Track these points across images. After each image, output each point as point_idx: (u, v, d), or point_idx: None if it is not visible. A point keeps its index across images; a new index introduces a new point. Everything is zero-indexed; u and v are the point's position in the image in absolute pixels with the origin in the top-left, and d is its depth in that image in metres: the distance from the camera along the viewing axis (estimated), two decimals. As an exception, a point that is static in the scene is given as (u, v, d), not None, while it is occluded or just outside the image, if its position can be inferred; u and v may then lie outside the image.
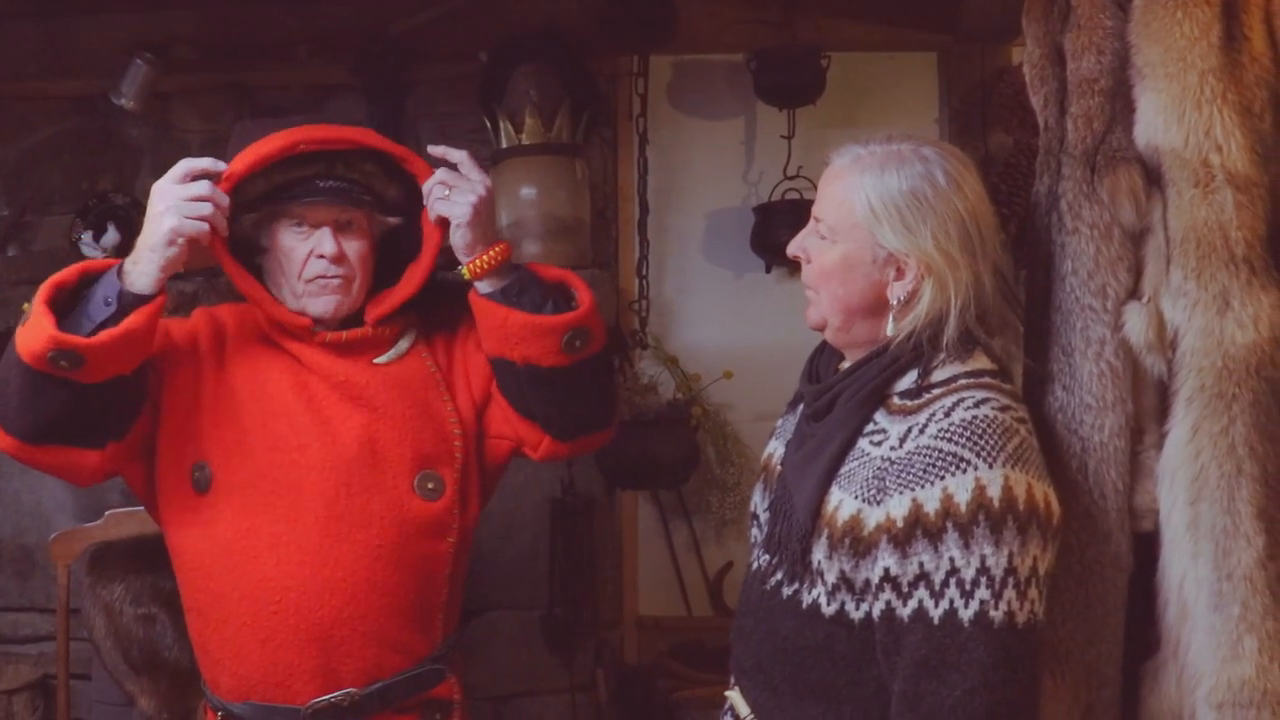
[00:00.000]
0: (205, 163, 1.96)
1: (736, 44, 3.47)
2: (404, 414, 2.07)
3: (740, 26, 3.42)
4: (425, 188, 2.03)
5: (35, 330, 1.84)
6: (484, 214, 1.99)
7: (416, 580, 2.05)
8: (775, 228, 3.38)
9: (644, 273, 3.53)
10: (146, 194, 3.53)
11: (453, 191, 1.99)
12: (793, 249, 1.77)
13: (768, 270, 3.51)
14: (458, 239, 1.99)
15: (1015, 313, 1.80)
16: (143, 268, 1.90)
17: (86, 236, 3.56)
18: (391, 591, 2.02)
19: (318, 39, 3.56)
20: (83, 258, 3.51)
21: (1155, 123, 1.73)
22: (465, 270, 2.01)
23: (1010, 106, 3.34)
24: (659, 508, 3.62)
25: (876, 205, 1.64)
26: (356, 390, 2.06)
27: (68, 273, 1.94)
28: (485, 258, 2.00)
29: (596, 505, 3.51)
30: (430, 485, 2.06)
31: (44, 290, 1.89)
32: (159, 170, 3.60)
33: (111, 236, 3.54)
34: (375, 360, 2.10)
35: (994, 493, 1.50)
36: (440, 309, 2.20)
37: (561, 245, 3.28)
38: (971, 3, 3.27)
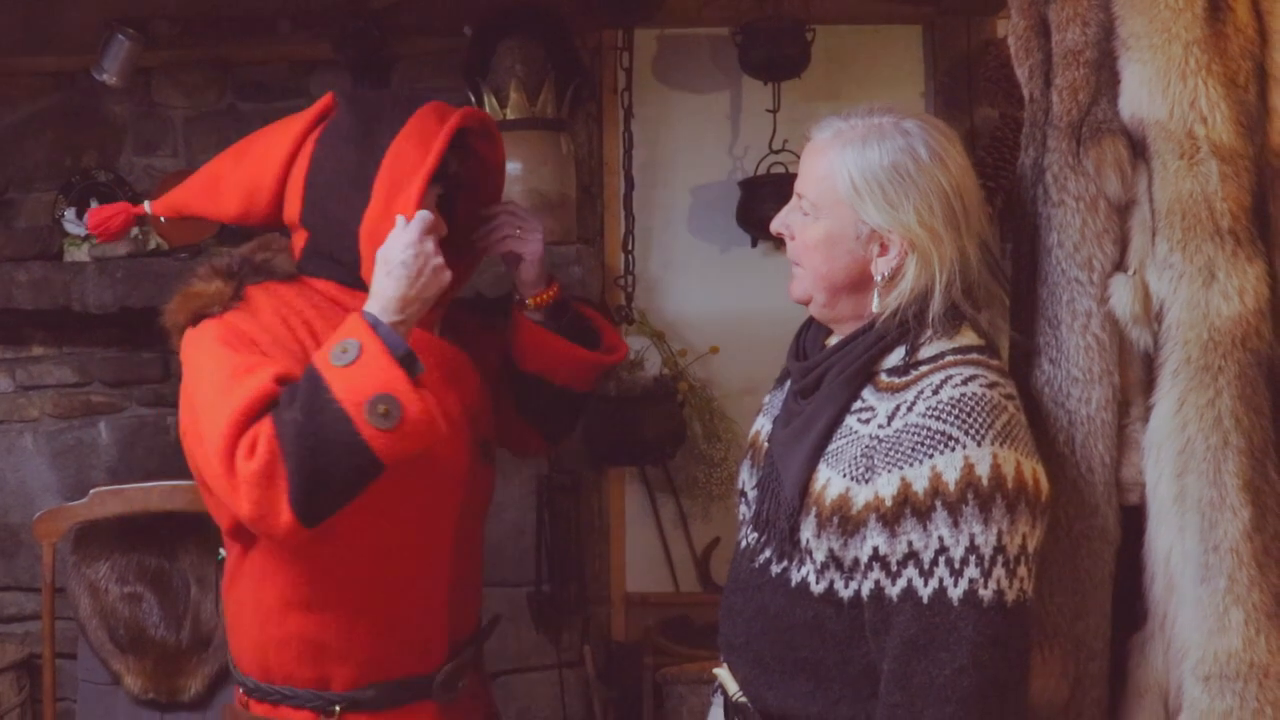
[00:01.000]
0: (429, 215, 1.87)
1: (721, 18, 3.45)
2: (464, 383, 2.11)
3: (724, 0, 3.40)
4: (491, 222, 2.17)
5: (371, 367, 1.70)
6: (545, 253, 2.18)
7: (483, 536, 2.22)
8: (760, 202, 3.37)
9: (629, 248, 3.52)
10: (129, 170, 3.63)
11: (524, 230, 2.15)
12: (776, 225, 1.77)
13: (753, 245, 3.51)
14: (527, 274, 2.18)
15: (1001, 286, 1.79)
16: (409, 324, 1.82)
17: (70, 213, 3.53)
18: (480, 547, 2.20)
19: (300, 14, 3.53)
20: (65, 235, 3.50)
21: (1140, 94, 1.72)
22: (529, 301, 2.20)
23: (996, 79, 3.33)
24: (646, 484, 3.62)
25: (858, 181, 1.63)
26: (435, 361, 1.99)
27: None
28: (548, 294, 2.21)
29: (583, 482, 3.52)
30: (486, 449, 2.15)
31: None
32: (142, 146, 3.66)
33: (94, 214, 3.51)
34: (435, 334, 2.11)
35: (982, 471, 1.49)
36: None
37: (547, 220, 3.24)
38: (957, -27, 3.27)
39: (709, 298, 3.57)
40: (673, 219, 3.60)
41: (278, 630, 1.95)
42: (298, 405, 1.67)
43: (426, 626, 2.02)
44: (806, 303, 1.76)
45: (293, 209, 2.00)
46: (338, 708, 1.96)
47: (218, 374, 1.77)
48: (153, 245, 3.46)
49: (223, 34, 3.59)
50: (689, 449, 3.49)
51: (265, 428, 1.67)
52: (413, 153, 1.91)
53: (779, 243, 3.36)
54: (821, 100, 3.48)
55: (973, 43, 3.49)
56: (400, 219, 1.85)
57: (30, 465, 3.70)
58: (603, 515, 3.62)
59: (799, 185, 1.74)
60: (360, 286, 1.91)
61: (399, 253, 1.80)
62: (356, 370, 1.69)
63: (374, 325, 1.74)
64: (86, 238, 3.47)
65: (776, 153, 3.38)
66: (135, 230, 3.50)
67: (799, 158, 3.20)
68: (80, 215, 3.50)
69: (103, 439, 3.63)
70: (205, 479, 1.81)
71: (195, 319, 1.90)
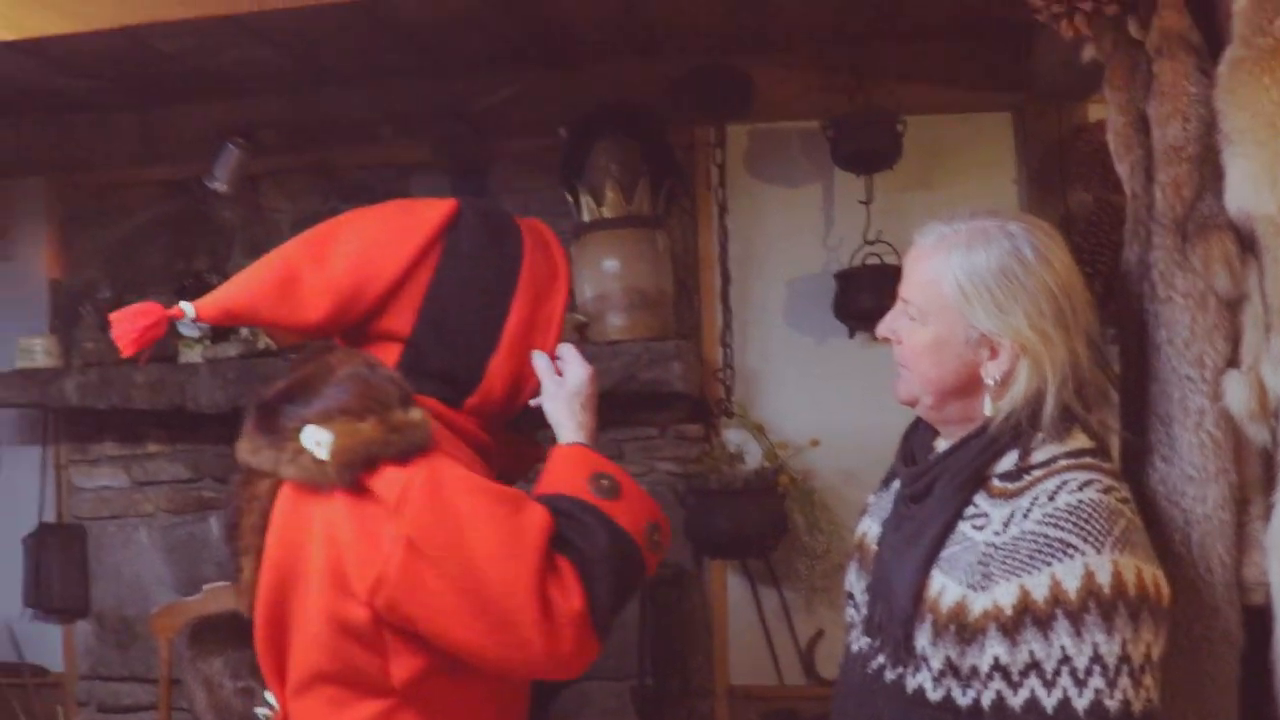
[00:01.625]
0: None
1: (811, 111, 3.48)
2: None
3: (814, 94, 3.44)
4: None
5: (637, 499, 1.75)
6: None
7: None
8: (857, 293, 3.38)
9: (727, 341, 3.54)
10: (237, 272, 3.72)
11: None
12: (882, 330, 1.77)
13: (850, 335, 3.50)
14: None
15: (1109, 380, 1.78)
16: None
17: (183, 317, 3.63)
18: None
19: (399, 118, 3.64)
20: (180, 337, 3.59)
21: (1246, 189, 1.69)
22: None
23: (1089, 164, 3.31)
24: (748, 576, 3.60)
25: (966, 286, 1.64)
26: None
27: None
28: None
29: (686, 574, 3.51)
30: None
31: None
32: (250, 249, 3.78)
33: (206, 317, 3.61)
34: None
35: (1103, 579, 1.47)
36: None
37: (645, 317, 3.30)
38: (1044, 62, 3.26)
39: (807, 389, 3.57)
40: (769, 312, 3.61)
41: None
42: (602, 538, 1.66)
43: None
44: (913, 404, 1.76)
45: (402, 321, 1.80)
46: None
47: (493, 516, 1.61)
48: (261, 345, 3.56)
49: (326, 140, 3.72)
50: (791, 541, 3.47)
51: (566, 563, 1.62)
52: (546, 276, 1.88)
53: (876, 334, 3.41)
54: (914, 190, 3.49)
55: (1064, 128, 3.47)
56: (566, 348, 1.85)
57: (145, 559, 3.80)
58: (705, 608, 3.61)
59: (904, 290, 1.74)
60: (458, 405, 1.80)
61: (587, 385, 1.83)
62: (628, 503, 1.72)
63: (607, 457, 1.80)
64: (199, 339, 3.57)
65: (871, 244, 3.39)
66: (245, 331, 3.60)
67: (894, 248, 3.28)
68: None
69: (214, 534, 3.73)
70: (482, 632, 1.61)
71: (404, 455, 1.63)
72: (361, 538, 1.61)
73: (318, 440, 1.62)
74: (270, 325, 1.79)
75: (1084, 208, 3.36)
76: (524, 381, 1.87)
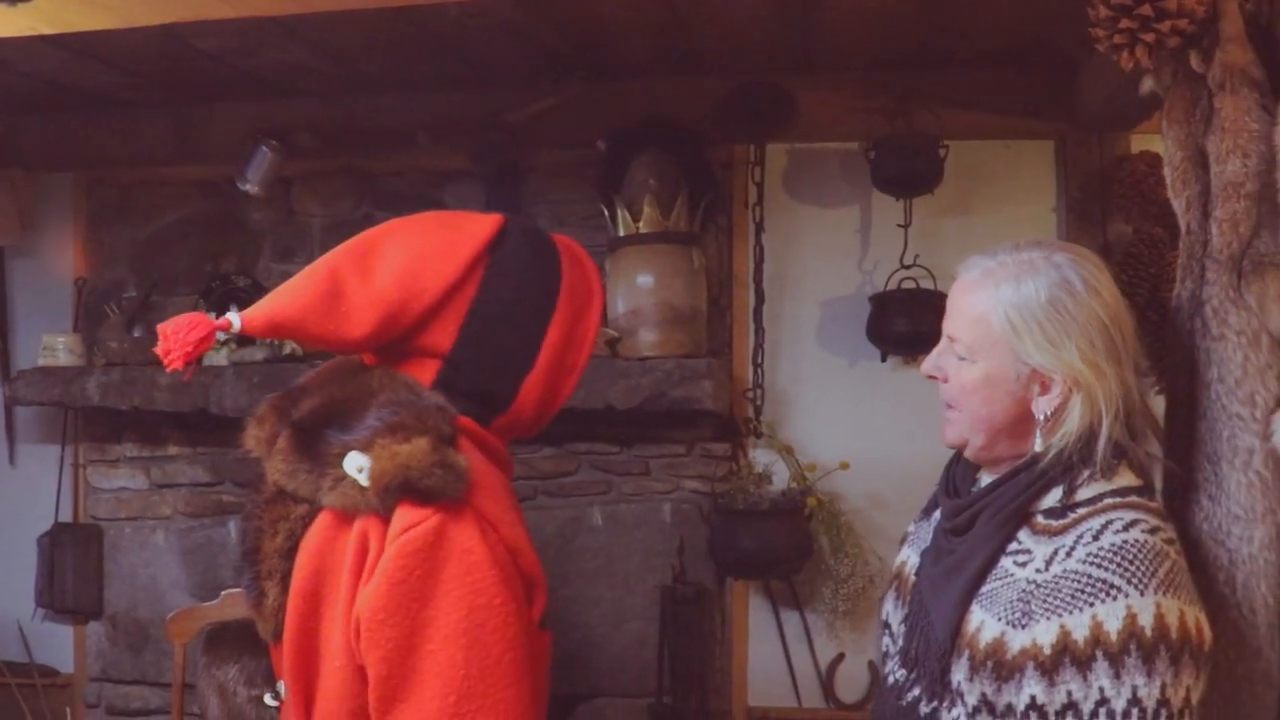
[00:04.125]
0: None
1: (851, 133, 3.47)
2: None
3: (856, 115, 3.42)
4: None
5: None
6: None
7: None
8: (891, 316, 3.35)
9: (759, 361, 3.52)
10: (267, 276, 3.74)
11: None
12: (927, 369, 1.74)
13: (883, 359, 3.47)
14: None
15: (1148, 419, 1.74)
16: None
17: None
18: None
19: (436, 126, 3.63)
20: (205, 339, 3.59)
21: (1305, 228, 1.68)
22: None
23: (1129, 195, 3.29)
24: (770, 598, 3.57)
25: (1016, 320, 1.61)
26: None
27: None
28: None
29: (707, 594, 3.49)
30: None
31: None
32: (280, 252, 3.77)
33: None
34: None
35: (1146, 621, 1.45)
36: None
37: (678, 334, 3.28)
38: (1088, 90, 3.24)
39: (838, 412, 3.55)
40: (802, 333, 3.59)
41: None
42: None
43: None
44: (962, 447, 1.73)
45: (443, 338, 1.75)
46: None
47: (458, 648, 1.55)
48: (287, 350, 3.54)
49: (361, 145, 3.71)
50: (815, 563, 3.45)
51: None
52: (583, 295, 1.86)
53: (909, 358, 3.39)
54: (953, 215, 3.47)
55: (1105, 158, 3.45)
56: None
57: (161, 562, 3.79)
58: (726, 628, 3.58)
59: (949, 328, 1.71)
60: (487, 423, 1.77)
61: None
62: None
63: None
64: (225, 342, 3.56)
65: (907, 268, 3.36)
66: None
67: (930, 273, 3.25)
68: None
69: (232, 538, 3.70)
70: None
71: (432, 495, 1.57)
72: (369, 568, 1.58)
73: (359, 466, 1.58)
74: (315, 340, 1.72)
75: (1123, 239, 3.34)
76: (552, 401, 1.85)
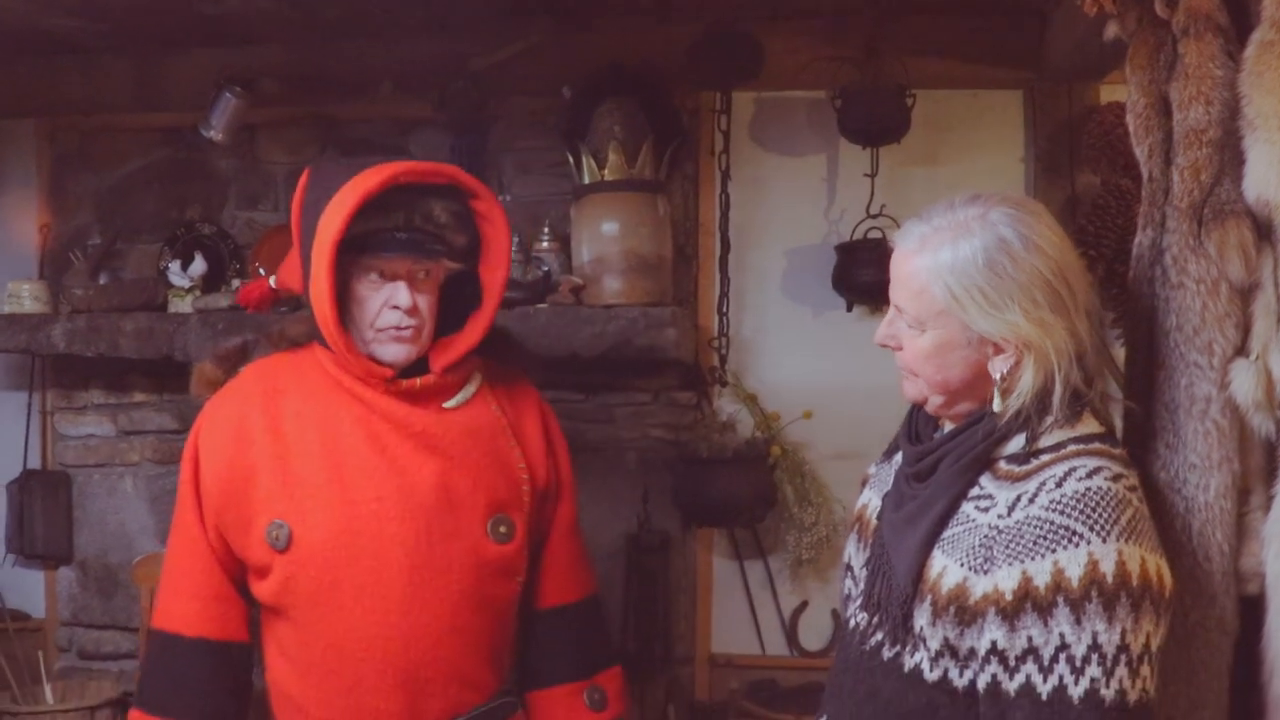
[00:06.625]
0: None
1: (819, 81, 3.43)
2: (476, 459, 2.13)
3: (823, 64, 3.38)
4: None
5: None
6: None
7: (492, 621, 2.14)
8: (857, 266, 3.35)
9: (724, 309, 3.51)
10: (232, 223, 3.71)
11: None
12: (880, 338, 1.72)
13: (848, 309, 3.48)
14: None
15: (1110, 367, 1.75)
16: None
17: (174, 265, 3.61)
18: (472, 633, 2.10)
19: (401, 73, 3.59)
20: (170, 286, 3.57)
21: (1267, 176, 1.66)
22: None
23: (1098, 146, 3.29)
24: (734, 545, 3.59)
25: (957, 289, 1.58)
26: (430, 438, 2.10)
27: None
28: None
29: (671, 542, 3.50)
30: (503, 529, 2.13)
31: None
32: (245, 200, 3.74)
33: (198, 266, 3.59)
34: (445, 405, 2.14)
35: (1107, 568, 1.46)
36: (499, 355, 2.30)
37: (643, 281, 3.27)
38: (1057, 40, 3.24)
39: (802, 361, 3.55)
40: (767, 282, 3.58)
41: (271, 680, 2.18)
42: None
43: (380, 704, 2.04)
44: (923, 404, 1.73)
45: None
46: None
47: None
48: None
49: (326, 92, 3.67)
50: (779, 512, 3.46)
51: None
52: (328, 222, 1.98)
53: (873, 307, 3.39)
54: (920, 165, 3.47)
55: (1074, 109, 3.45)
56: None
57: (129, 508, 3.78)
58: (689, 576, 3.60)
59: (895, 298, 1.68)
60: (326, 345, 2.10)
61: None
62: None
63: None
64: (190, 289, 3.54)
65: (874, 217, 3.36)
66: (236, 282, 3.58)
67: (896, 222, 3.24)
68: (185, 268, 3.58)
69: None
70: None
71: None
72: None
73: None
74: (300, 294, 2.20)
75: (1090, 190, 3.35)
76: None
